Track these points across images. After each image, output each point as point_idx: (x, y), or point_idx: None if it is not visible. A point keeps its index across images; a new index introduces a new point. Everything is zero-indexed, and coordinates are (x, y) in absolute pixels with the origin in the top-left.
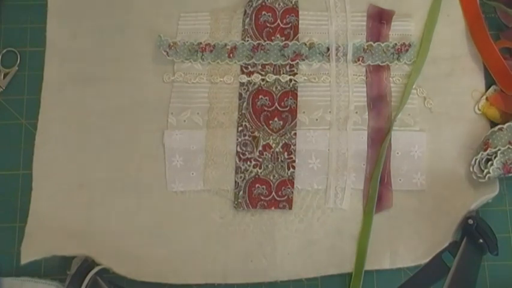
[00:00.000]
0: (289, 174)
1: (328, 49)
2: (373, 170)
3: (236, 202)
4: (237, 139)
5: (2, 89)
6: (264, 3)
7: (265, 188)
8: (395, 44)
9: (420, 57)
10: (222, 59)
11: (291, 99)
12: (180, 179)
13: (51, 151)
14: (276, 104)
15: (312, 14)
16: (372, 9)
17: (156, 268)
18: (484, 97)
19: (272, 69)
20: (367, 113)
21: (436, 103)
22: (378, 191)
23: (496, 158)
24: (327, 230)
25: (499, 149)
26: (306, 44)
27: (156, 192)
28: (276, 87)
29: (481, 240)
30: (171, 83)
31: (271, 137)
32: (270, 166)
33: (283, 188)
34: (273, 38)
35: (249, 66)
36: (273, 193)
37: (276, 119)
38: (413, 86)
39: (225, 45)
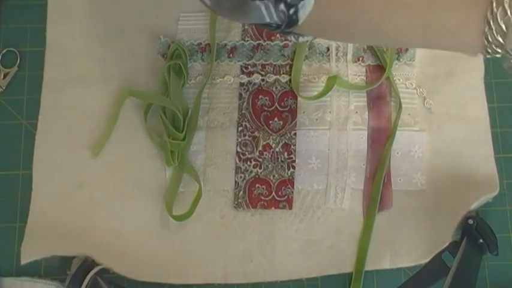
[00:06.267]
0: (289, 174)
1: (328, 49)
2: (373, 170)
3: (236, 202)
4: (237, 139)
5: (2, 89)
6: None
7: (265, 188)
8: None
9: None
10: (222, 59)
11: (291, 99)
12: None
13: (51, 151)
14: (276, 104)
15: None
16: None
17: (156, 268)
18: None
19: (272, 69)
20: (367, 113)
21: (436, 103)
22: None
23: None
24: (327, 230)
25: None
26: (306, 44)
27: (156, 192)
28: (276, 87)
29: (481, 240)
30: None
31: (271, 137)
32: (270, 166)
33: (283, 188)
34: (273, 37)
35: (249, 66)
36: (273, 193)
37: (276, 119)
38: (414, 86)
39: (225, 45)
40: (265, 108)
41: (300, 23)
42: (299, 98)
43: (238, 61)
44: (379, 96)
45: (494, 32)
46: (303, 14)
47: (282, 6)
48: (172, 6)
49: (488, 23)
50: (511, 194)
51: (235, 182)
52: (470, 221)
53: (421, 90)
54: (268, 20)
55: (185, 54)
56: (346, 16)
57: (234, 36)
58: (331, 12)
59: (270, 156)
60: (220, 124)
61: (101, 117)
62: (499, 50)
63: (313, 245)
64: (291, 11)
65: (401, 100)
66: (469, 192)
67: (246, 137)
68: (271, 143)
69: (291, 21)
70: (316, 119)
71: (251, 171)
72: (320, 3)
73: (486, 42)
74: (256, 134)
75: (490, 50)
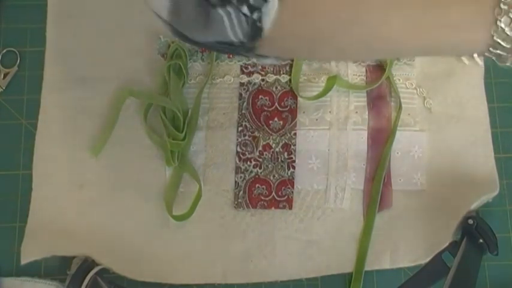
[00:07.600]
0: (289, 174)
1: None
2: (373, 170)
3: (236, 202)
4: (237, 139)
5: (2, 89)
6: None
7: (265, 188)
8: None
9: None
10: (222, 59)
11: (291, 99)
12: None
13: (51, 151)
14: (276, 104)
15: None
16: None
17: (156, 268)
18: None
19: (272, 69)
20: (367, 113)
21: (436, 103)
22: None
23: None
24: (327, 230)
25: None
26: None
27: (156, 192)
28: (276, 87)
29: (481, 240)
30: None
31: (271, 137)
32: (270, 166)
33: (283, 188)
34: None
35: (249, 66)
36: (273, 193)
37: (276, 119)
38: (414, 86)
39: None
40: (265, 108)
41: (264, 32)
42: (299, 98)
43: (238, 61)
44: (379, 96)
45: (503, 24)
46: (268, 20)
47: (245, 9)
48: None
49: (499, 14)
50: (511, 194)
51: (235, 182)
52: (470, 221)
53: (421, 90)
54: (230, 33)
55: (185, 54)
56: (330, 23)
57: None
58: (309, 20)
59: (270, 156)
60: (220, 124)
61: (101, 117)
62: (506, 45)
63: (313, 245)
64: (255, 15)
65: (401, 100)
66: (469, 192)
67: (246, 137)
68: (271, 143)
69: (255, 31)
70: (316, 119)
71: (251, 171)
72: (293, 7)
73: (495, 36)
74: (256, 134)
75: (495, 46)
